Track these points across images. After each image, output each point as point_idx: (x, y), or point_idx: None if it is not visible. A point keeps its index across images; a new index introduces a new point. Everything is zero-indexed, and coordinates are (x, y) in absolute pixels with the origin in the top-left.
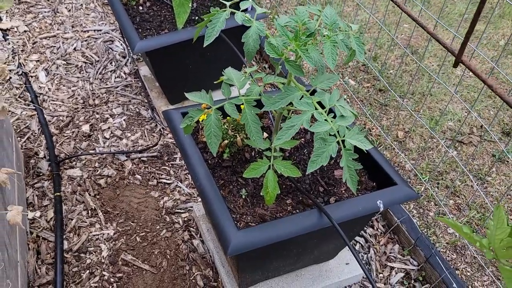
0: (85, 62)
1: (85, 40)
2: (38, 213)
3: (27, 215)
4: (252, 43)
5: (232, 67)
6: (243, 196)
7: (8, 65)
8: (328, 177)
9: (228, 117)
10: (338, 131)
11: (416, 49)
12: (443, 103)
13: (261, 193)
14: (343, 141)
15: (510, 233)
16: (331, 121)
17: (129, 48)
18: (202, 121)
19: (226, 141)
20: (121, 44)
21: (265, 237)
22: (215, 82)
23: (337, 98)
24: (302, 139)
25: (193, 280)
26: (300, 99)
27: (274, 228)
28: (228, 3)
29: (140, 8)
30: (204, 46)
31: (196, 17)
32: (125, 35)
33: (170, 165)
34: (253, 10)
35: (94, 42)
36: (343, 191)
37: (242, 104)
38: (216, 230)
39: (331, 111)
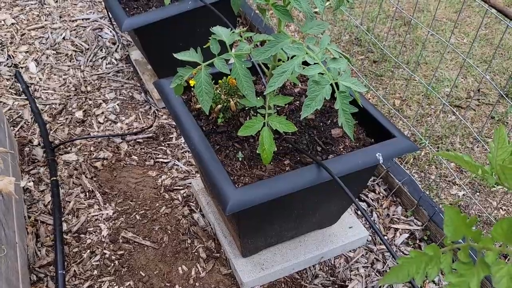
0: (75, 51)
1: (74, 29)
2: (31, 183)
3: (20, 184)
4: None
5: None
6: (240, 159)
7: None
8: (326, 136)
9: (220, 81)
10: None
11: (408, 20)
12: (438, 70)
13: (257, 151)
14: (336, 84)
15: None
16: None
17: (119, 34)
18: (193, 87)
19: (219, 106)
20: (111, 31)
21: (263, 193)
22: (204, 46)
23: (327, 42)
24: (297, 102)
25: (196, 253)
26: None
27: (272, 185)
28: None
29: None
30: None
31: None
32: (112, 14)
33: (167, 145)
34: None
35: (83, 30)
36: (341, 149)
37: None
38: (214, 191)
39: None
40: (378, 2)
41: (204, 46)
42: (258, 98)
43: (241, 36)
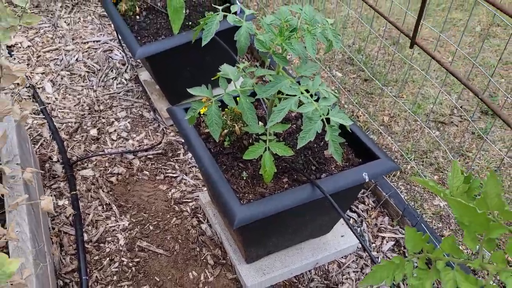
0: (88, 72)
1: (86, 51)
2: (66, 201)
3: (56, 203)
4: (244, 40)
5: None
6: (244, 178)
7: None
8: (319, 157)
9: (226, 109)
10: (322, 111)
11: (397, 40)
12: (424, 88)
13: (260, 172)
14: (327, 119)
15: (464, 181)
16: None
17: (128, 55)
18: (203, 114)
19: (226, 131)
20: (120, 53)
21: (265, 209)
22: (212, 78)
23: (319, 83)
24: (294, 125)
25: (204, 260)
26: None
27: (272, 201)
28: (220, 8)
29: (137, 17)
30: (202, 45)
31: (190, 22)
32: (125, 43)
33: (175, 161)
34: (242, 12)
35: (95, 52)
36: (333, 168)
37: (238, 96)
38: (222, 207)
39: (317, 100)
40: (369, 22)
41: (212, 78)
42: (260, 124)
43: (244, 71)
